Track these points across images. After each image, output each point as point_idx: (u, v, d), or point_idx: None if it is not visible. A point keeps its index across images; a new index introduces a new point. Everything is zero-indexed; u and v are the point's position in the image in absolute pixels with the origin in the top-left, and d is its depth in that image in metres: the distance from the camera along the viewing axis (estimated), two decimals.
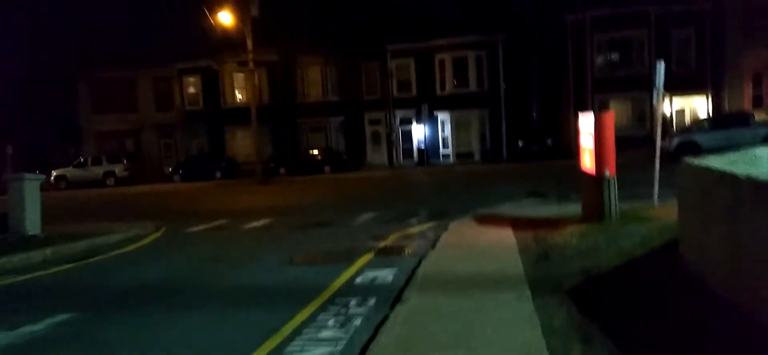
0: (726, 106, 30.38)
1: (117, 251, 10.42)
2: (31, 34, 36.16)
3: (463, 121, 34.43)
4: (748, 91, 29.70)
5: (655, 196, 9.88)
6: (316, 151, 34.44)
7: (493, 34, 33.65)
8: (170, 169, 34.90)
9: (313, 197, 19.58)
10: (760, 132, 22.33)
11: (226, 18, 28.48)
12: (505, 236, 8.70)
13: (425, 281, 6.33)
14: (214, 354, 4.79)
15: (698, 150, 22.48)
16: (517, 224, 9.70)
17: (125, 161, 34.84)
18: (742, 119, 24.28)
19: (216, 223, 13.50)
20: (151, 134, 38.25)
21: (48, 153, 36.59)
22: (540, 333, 4.32)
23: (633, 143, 24.24)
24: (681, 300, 4.70)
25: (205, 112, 36.96)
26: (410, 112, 35.13)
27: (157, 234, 12.36)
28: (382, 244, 9.20)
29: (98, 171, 34.11)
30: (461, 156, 34.05)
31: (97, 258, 9.79)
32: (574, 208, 10.19)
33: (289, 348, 4.67)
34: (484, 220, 10.57)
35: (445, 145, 34.84)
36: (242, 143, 35.81)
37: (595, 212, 8.60)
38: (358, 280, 6.83)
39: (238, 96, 36.70)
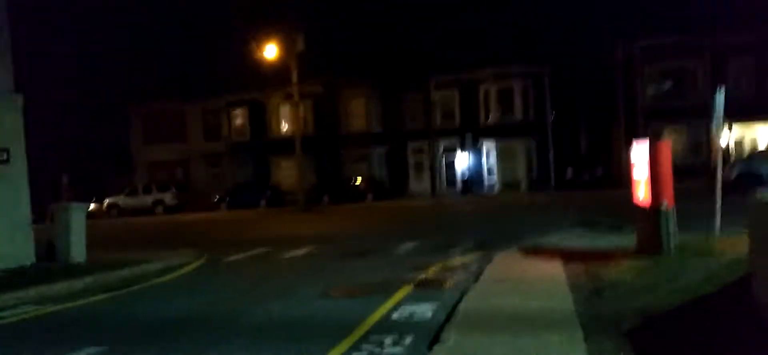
0: None
1: (156, 280, 10.36)
2: (84, 68, 37.76)
3: (508, 150, 33.75)
4: None
5: (717, 228, 9.15)
6: (359, 180, 34.38)
7: (540, 66, 33.13)
8: (217, 197, 35.45)
9: (354, 225, 19.34)
10: None
11: (271, 52, 28.95)
12: (553, 270, 8.17)
13: (466, 318, 5.90)
14: None
15: (760, 180, 21.21)
16: (567, 256, 9.15)
17: (174, 190, 35.60)
18: None
19: (257, 251, 13.37)
20: (200, 164, 39.11)
21: (102, 182, 37.85)
22: None
23: (688, 173, 23.22)
24: (758, 348, 4.13)
25: (252, 143, 37.56)
26: (454, 141, 34.73)
27: (198, 263, 12.29)
28: (422, 276, 8.80)
29: (148, 199, 34.95)
30: (507, 185, 33.29)
31: (135, 287, 9.74)
32: (627, 239, 9.58)
33: None
34: (531, 251, 10.05)
35: (490, 174, 34.19)
36: (287, 173, 36.09)
37: (651, 245, 8.01)
38: (395, 315, 6.45)
39: (284, 127, 37.15)
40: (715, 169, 9.93)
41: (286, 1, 29.18)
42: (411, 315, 6.40)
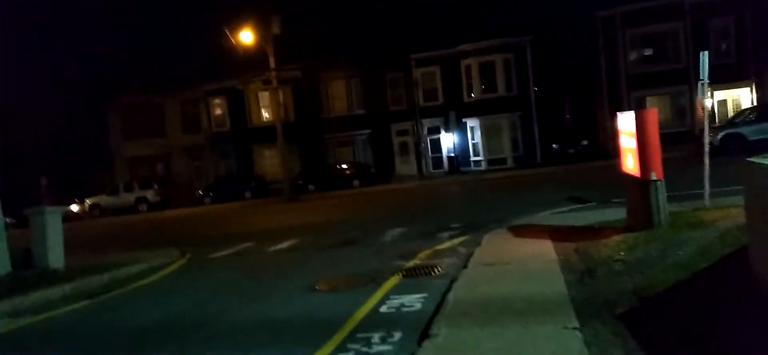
0: None
1: (137, 283, 10.02)
2: (59, 64, 36.82)
3: (493, 127, 33.52)
4: None
5: (707, 196, 9.04)
6: (344, 166, 34.01)
7: (520, 37, 32.79)
8: (201, 191, 34.94)
9: (341, 213, 19.07)
10: None
11: (247, 37, 28.35)
12: (544, 249, 7.98)
13: (456, 308, 5.67)
14: None
15: (744, 142, 21.30)
16: (557, 234, 8.97)
17: (156, 187, 34.97)
18: None
19: (242, 246, 13.09)
20: (181, 158, 38.45)
21: (83, 181, 37.12)
22: None
23: (673, 140, 23.20)
24: (757, 321, 3.95)
25: (233, 133, 36.99)
26: (438, 121, 34.47)
27: (182, 261, 11.96)
28: (410, 263, 8.58)
29: (130, 198, 34.35)
30: (493, 162, 33.11)
31: (116, 292, 9.41)
32: (617, 213, 9.43)
33: None
34: (520, 231, 9.85)
35: (475, 153, 33.97)
36: (270, 162, 35.62)
37: (641, 219, 7.83)
38: (383, 308, 6.22)
39: (264, 115, 36.54)
40: (701, 134, 9.77)
41: None
42: (399, 307, 6.18)
